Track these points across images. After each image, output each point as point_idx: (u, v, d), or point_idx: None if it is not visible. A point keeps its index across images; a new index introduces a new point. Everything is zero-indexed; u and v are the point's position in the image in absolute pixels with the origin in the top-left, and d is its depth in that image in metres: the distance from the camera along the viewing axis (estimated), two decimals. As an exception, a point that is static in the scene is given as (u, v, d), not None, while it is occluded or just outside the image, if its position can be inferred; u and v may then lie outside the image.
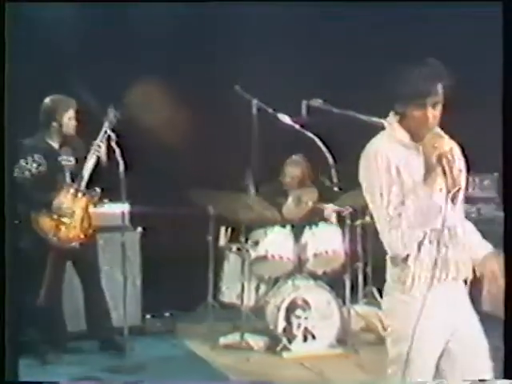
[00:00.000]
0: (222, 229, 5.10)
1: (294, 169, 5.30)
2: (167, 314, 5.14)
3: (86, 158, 4.54)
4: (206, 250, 5.01)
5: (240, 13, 5.41)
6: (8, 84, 2.50)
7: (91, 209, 4.65)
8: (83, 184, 4.58)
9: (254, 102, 4.94)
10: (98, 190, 4.63)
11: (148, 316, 5.15)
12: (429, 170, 2.46)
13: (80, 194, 4.57)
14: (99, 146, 4.53)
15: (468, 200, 5.17)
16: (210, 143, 5.57)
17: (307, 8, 5.37)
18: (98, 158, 4.54)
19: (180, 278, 5.29)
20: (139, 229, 5.21)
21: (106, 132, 4.52)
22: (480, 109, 5.03)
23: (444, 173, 2.43)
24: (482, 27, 4.92)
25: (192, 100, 5.22)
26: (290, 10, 5.41)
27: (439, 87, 2.47)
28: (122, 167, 4.43)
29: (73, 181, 4.59)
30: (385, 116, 2.62)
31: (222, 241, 5.09)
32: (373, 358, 4.53)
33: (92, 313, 4.74)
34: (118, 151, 4.46)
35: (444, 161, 2.43)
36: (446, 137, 2.54)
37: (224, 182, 5.01)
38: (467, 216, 5.05)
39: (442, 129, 2.60)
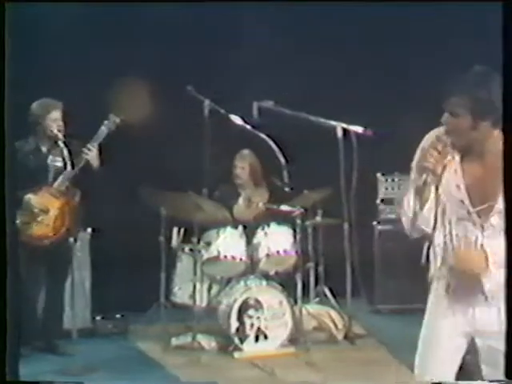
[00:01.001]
0: (175, 229, 5.06)
1: (242, 161, 5.30)
2: (118, 316, 5.13)
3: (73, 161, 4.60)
4: (158, 251, 4.99)
5: (192, 12, 5.47)
6: (8, 84, 2.54)
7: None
8: (63, 185, 4.60)
9: (207, 102, 5.00)
10: (78, 192, 4.66)
11: (98, 318, 5.15)
12: None
13: (58, 194, 4.60)
14: (89, 150, 4.56)
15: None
16: (162, 144, 5.57)
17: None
18: (88, 162, 4.57)
19: (132, 279, 5.30)
20: (89, 230, 5.20)
21: (101, 136, 4.58)
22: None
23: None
24: (482, 27, 4.96)
25: (143, 100, 5.25)
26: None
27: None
28: (69, 167, 4.51)
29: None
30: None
31: (175, 241, 5.06)
32: (324, 356, 4.63)
33: (46, 313, 4.74)
34: (65, 151, 4.53)
35: None
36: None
37: (176, 183, 5.00)
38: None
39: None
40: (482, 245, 2.61)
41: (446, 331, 2.71)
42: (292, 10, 5.43)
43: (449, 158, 2.62)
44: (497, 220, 2.59)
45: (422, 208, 2.62)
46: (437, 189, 2.60)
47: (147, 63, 5.47)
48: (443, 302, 2.71)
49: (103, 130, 4.62)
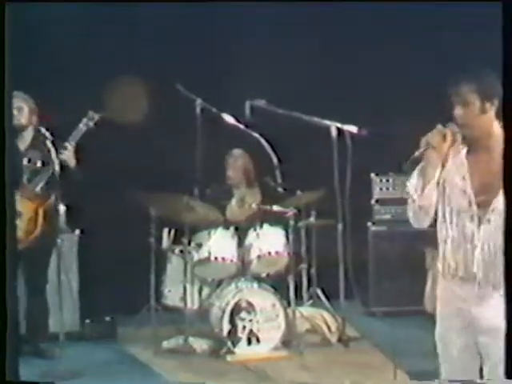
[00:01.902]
0: (165, 230, 5.05)
1: (235, 160, 5.27)
2: (108, 319, 5.10)
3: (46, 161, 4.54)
4: (148, 252, 4.96)
5: (182, 9, 5.44)
6: (8, 84, 2.57)
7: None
8: (38, 186, 4.54)
9: (198, 101, 4.97)
10: (52, 195, 4.59)
11: (87, 321, 5.12)
12: None
13: (33, 197, 4.54)
14: (65, 148, 4.47)
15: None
16: (153, 143, 5.55)
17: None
18: (64, 161, 4.49)
19: (121, 281, 5.28)
20: (77, 231, 5.18)
21: (78, 134, 4.49)
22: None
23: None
24: (482, 27, 5.01)
25: (133, 98, 5.24)
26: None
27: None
28: (57, 167, 4.42)
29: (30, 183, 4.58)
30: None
31: (165, 243, 5.05)
32: (318, 359, 4.63)
33: (30, 317, 4.70)
34: (53, 151, 4.44)
35: None
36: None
37: (167, 183, 5.04)
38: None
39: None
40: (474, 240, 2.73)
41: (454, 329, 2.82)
42: (286, 7, 5.43)
43: (456, 147, 2.74)
44: (494, 216, 2.68)
45: (423, 189, 2.73)
46: (442, 167, 2.72)
47: (137, 61, 5.46)
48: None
49: (81, 127, 4.52)
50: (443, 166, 2.75)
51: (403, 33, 5.60)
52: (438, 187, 2.75)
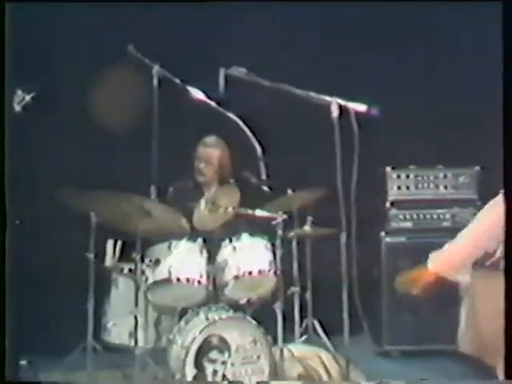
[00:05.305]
0: (109, 242, 4.73)
1: (206, 152, 5.04)
2: (23, 363, 4.59)
3: None
4: (84, 272, 4.64)
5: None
6: (8, 84, 2.89)
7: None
8: None
9: (156, 69, 4.68)
10: None
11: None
12: None
13: None
14: None
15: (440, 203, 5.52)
16: (94, 127, 5.26)
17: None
18: None
19: (48, 311, 5.08)
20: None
21: None
22: (480, 110, 5.25)
23: None
24: (481, 27, 5.23)
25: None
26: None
27: None
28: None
29: None
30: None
31: (109, 259, 4.73)
32: (312, 413, 4.43)
33: None
34: None
35: None
36: None
37: (112, 179, 4.88)
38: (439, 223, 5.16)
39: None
40: None
41: None
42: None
43: None
44: None
45: None
46: None
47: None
48: None
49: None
50: None
51: (403, 33, 5.62)
52: None
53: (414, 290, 3.35)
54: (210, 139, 5.07)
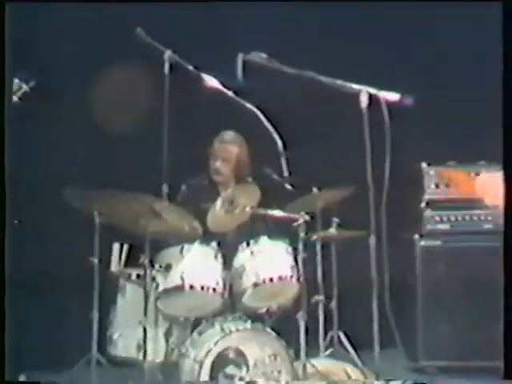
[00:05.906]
0: (115, 246, 4.62)
1: (224, 148, 4.90)
2: (23, 378, 4.43)
3: None
4: (89, 278, 4.51)
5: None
6: (8, 84, 3.00)
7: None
8: None
9: (168, 54, 4.50)
10: None
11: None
12: None
13: None
14: None
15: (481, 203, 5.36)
16: (101, 117, 5.18)
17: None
18: None
19: (50, 321, 5.00)
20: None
21: None
22: (480, 110, 5.20)
23: None
24: (481, 27, 5.24)
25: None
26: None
27: None
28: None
29: None
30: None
31: (115, 264, 4.60)
32: (338, 433, 4.38)
33: None
34: None
35: None
36: None
37: (120, 177, 4.79)
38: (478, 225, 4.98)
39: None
40: None
41: None
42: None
43: None
44: None
45: None
46: None
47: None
48: None
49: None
50: None
51: (401, 33, 5.56)
52: None
53: None
54: (228, 135, 4.96)
